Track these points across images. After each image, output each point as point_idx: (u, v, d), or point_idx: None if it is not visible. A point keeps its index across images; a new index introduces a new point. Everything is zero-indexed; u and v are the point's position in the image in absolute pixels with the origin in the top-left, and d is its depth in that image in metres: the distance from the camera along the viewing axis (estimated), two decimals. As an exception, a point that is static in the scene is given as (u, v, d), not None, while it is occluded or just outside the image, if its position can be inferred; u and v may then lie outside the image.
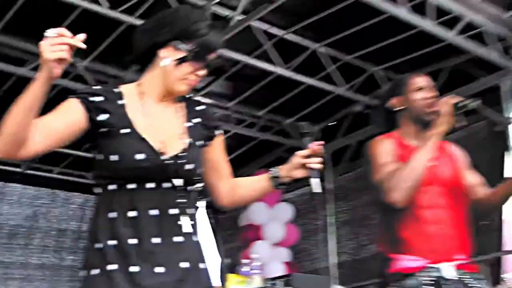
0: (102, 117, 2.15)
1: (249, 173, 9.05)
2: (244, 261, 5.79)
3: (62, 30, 1.88)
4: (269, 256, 8.25)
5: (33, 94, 1.92)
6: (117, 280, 2.04)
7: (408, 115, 3.22)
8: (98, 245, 2.10)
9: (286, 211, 8.62)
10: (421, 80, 3.26)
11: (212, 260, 9.66)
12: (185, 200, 2.19)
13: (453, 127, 3.03)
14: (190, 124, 2.32)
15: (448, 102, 3.00)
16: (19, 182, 8.47)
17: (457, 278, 2.96)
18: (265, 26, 6.52)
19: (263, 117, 8.20)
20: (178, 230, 2.16)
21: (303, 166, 2.28)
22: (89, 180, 8.92)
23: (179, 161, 2.19)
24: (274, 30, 6.59)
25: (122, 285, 2.03)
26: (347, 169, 8.41)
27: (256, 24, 6.39)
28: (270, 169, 2.38)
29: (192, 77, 2.26)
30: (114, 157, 2.12)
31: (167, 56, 2.23)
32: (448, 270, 2.95)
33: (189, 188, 2.23)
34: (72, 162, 8.58)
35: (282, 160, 7.44)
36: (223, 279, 9.14)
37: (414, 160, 2.97)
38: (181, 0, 5.97)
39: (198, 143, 2.31)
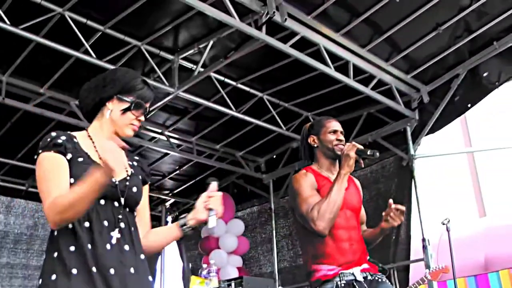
0: (68, 156, 2.12)
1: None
2: (204, 265, 5.70)
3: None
4: (225, 262, 8.16)
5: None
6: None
7: (322, 152, 3.24)
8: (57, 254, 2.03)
9: (238, 225, 8.52)
10: (334, 125, 3.29)
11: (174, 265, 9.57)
12: (121, 217, 2.14)
13: (360, 166, 3.11)
14: (130, 163, 2.32)
15: (352, 148, 3.05)
16: (23, 198, 8.29)
17: (365, 278, 3.01)
18: (221, 77, 6.50)
19: (219, 150, 8.14)
20: (129, 240, 2.12)
21: (205, 208, 2.27)
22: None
23: (126, 184, 2.18)
24: (228, 81, 6.57)
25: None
26: (286, 193, 8.32)
27: (215, 75, 6.38)
28: (179, 218, 2.39)
29: (135, 122, 2.28)
30: (71, 180, 2.08)
31: (113, 108, 2.25)
32: (358, 273, 3.01)
33: (128, 208, 2.20)
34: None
35: (234, 185, 7.46)
36: (186, 281, 9.02)
37: (333, 195, 2.98)
38: (148, 53, 5.95)
39: (139, 176, 2.30)
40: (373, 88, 6.30)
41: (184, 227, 2.29)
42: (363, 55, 6.00)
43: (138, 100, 2.27)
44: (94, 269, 2.00)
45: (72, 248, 2.01)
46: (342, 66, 5.98)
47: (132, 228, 2.17)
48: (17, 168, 7.80)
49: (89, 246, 2.02)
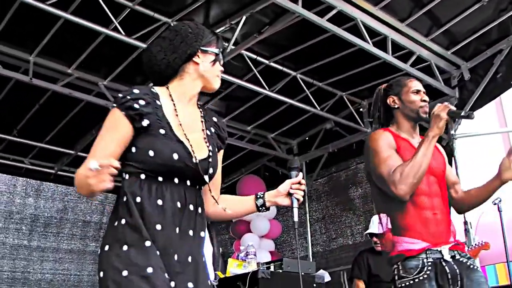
0: (144, 122, 1.98)
1: (239, 177, 8.87)
2: (241, 248, 5.58)
3: (104, 163, 1.73)
4: (257, 246, 8.02)
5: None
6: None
7: (403, 113, 2.97)
8: (122, 222, 1.92)
9: (270, 209, 8.36)
10: (417, 84, 3.02)
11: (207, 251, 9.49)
12: (193, 198, 2.03)
13: (451, 127, 2.87)
14: (208, 132, 2.17)
15: (444, 108, 2.74)
16: (53, 181, 8.25)
17: (454, 259, 2.74)
18: (253, 56, 6.31)
19: (251, 131, 7.97)
20: (193, 225, 2.01)
21: (288, 194, 2.19)
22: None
23: (206, 165, 2.05)
24: (261, 59, 6.37)
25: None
26: (319, 175, 8.19)
27: (247, 53, 6.20)
28: (258, 193, 2.24)
29: (220, 74, 2.20)
30: (151, 152, 1.95)
31: (201, 61, 2.13)
32: (447, 252, 2.73)
33: (198, 186, 2.09)
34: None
35: (266, 167, 7.31)
36: (216, 265, 8.91)
37: (418, 157, 2.69)
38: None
39: (215, 149, 2.17)
40: (412, 65, 6.05)
41: (262, 207, 2.23)
42: (402, 30, 5.77)
43: (221, 49, 2.20)
44: (157, 252, 1.90)
45: (123, 221, 1.92)
46: (380, 42, 5.74)
47: (199, 210, 2.06)
48: (45, 151, 7.74)
49: (158, 226, 1.92)
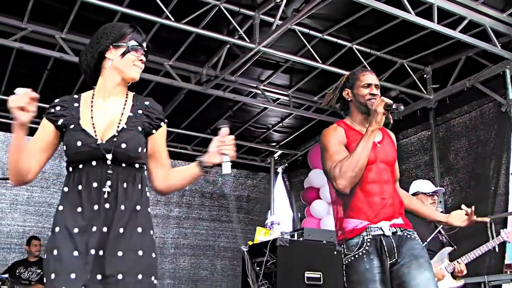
0: (60, 122, 2.34)
1: (312, 146, 9.17)
2: (270, 217, 5.94)
3: (27, 91, 2.09)
4: (325, 213, 8.34)
5: (15, 138, 2.19)
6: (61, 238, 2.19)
7: (355, 105, 3.16)
8: (59, 208, 2.28)
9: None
10: (368, 78, 3.16)
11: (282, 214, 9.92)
12: (111, 172, 2.25)
13: (389, 121, 2.94)
14: (131, 114, 2.39)
15: (380, 103, 2.91)
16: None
17: (394, 233, 2.92)
18: (306, 30, 6.53)
19: (317, 102, 8.20)
20: (113, 199, 2.23)
21: (219, 152, 2.37)
22: (189, 151, 9.41)
23: (113, 141, 2.28)
24: (314, 33, 6.58)
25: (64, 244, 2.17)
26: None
27: (299, 28, 6.43)
28: (198, 157, 2.45)
29: (137, 63, 2.41)
30: (65, 147, 2.31)
31: (113, 57, 2.40)
32: (387, 227, 2.92)
33: (125, 164, 2.29)
34: (176, 137, 8.98)
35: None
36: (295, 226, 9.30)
37: (357, 152, 2.90)
38: (228, 12, 6.14)
39: (137, 128, 2.36)
40: (464, 31, 5.96)
41: (203, 168, 2.42)
42: (450, -4, 5.70)
43: (132, 40, 2.41)
44: (76, 229, 2.18)
45: (60, 208, 2.26)
46: (427, 10, 5.72)
47: (126, 185, 2.27)
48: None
49: (79, 209, 2.21)
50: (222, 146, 2.37)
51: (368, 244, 2.90)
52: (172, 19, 5.82)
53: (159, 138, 2.45)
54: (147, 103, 2.46)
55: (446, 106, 7.23)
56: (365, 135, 2.94)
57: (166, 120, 2.49)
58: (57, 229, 2.21)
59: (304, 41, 6.58)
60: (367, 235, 2.91)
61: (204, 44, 6.77)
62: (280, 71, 7.43)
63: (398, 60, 7.15)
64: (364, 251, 2.90)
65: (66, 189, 2.29)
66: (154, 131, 2.42)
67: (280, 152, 9.95)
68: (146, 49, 2.47)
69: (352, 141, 3.04)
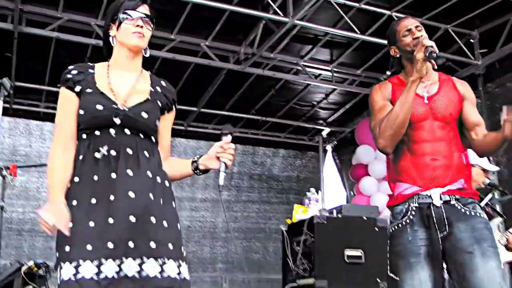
0: (77, 88, 2.28)
1: (359, 122, 8.95)
2: (309, 194, 5.79)
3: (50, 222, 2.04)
4: (375, 190, 8.15)
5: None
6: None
7: (405, 59, 2.83)
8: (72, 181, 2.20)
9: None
10: (406, 23, 2.84)
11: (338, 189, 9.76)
12: (130, 140, 2.21)
13: (433, 67, 2.67)
14: (152, 89, 2.38)
15: (420, 48, 2.58)
16: (184, 137, 9.06)
17: (446, 202, 2.60)
18: (342, 1, 6.34)
19: (361, 75, 7.98)
20: (133, 165, 2.18)
21: (217, 158, 2.27)
22: (235, 133, 9.34)
23: (135, 110, 2.25)
24: (350, 3, 6.38)
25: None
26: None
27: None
28: (194, 157, 2.36)
29: (135, 29, 2.34)
30: (81, 111, 2.24)
31: (114, 33, 2.39)
32: (437, 196, 2.62)
33: (142, 134, 2.25)
34: (221, 119, 9.00)
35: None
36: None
37: (395, 109, 2.62)
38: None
39: (157, 103, 2.34)
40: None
41: (196, 170, 2.34)
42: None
43: (122, 11, 2.37)
44: (93, 200, 2.11)
45: (76, 179, 2.17)
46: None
47: (143, 153, 2.23)
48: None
49: (95, 177, 2.14)
50: (222, 154, 2.26)
51: (413, 213, 2.63)
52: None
53: (168, 121, 2.43)
54: (163, 83, 2.46)
55: (496, 71, 6.87)
56: (405, 88, 2.62)
57: (174, 108, 2.46)
58: (74, 202, 2.14)
59: (341, 12, 6.39)
60: (413, 203, 2.64)
61: (239, 22, 6.67)
62: (319, 45, 7.26)
63: (442, 25, 6.83)
64: (408, 221, 2.64)
65: (81, 157, 2.21)
66: (166, 112, 2.40)
67: (328, 129, 9.77)
68: (144, 14, 2.38)
69: (397, 96, 2.71)
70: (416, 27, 2.84)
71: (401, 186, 2.70)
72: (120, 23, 2.37)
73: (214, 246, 9.00)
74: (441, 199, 2.62)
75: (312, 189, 5.89)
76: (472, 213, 2.62)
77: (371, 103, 2.84)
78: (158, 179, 2.24)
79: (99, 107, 2.22)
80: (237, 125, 9.32)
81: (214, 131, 9.12)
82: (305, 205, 5.71)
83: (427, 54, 2.58)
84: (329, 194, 9.64)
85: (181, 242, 2.25)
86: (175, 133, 8.61)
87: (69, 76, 2.30)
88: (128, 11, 2.37)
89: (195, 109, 8.50)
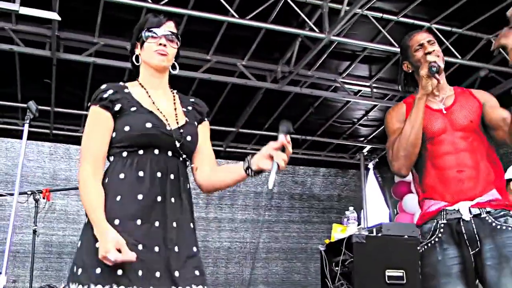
0: (117, 107, 2.20)
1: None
2: (347, 213, 5.64)
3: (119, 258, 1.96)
4: (417, 208, 7.91)
5: None
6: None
7: (418, 75, 2.69)
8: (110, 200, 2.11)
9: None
10: (419, 38, 2.78)
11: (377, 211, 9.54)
12: (173, 167, 2.18)
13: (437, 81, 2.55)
14: (185, 109, 2.35)
15: (424, 64, 2.56)
16: (222, 158, 8.95)
17: (476, 216, 2.46)
18: (379, 14, 6.23)
19: (400, 90, 7.77)
20: (176, 192, 2.16)
21: (271, 157, 2.10)
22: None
23: (180, 132, 2.22)
24: (388, 16, 6.27)
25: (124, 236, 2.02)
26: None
27: (371, 13, 6.16)
28: (247, 157, 2.23)
29: (158, 47, 2.29)
30: (126, 128, 2.16)
31: (139, 52, 2.36)
32: (466, 209, 2.48)
33: (182, 158, 2.22)
34: (260, 139, 8.93)
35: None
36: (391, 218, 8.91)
37: (405, 129, 2.56)
38: (295, 3, 5.96)
39: (194, 124, 2.33)
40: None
41: (248, 170, 2.19)
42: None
43: (145, 29, 2.32)
44: (138, 221, 2.06)
45: (118, 198, 2.09)
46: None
47: (182, 179, 2.19)
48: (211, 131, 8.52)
49: (140, 196, 2.08)
50: (276, 153, 2.08)
51: (442, 230, 2.51)
52: (236, 16, 5.74)
53: (205, 131, 2.39)
54: (192, 100, 2.44)
55: (543, 82, 6.63)
56: (413, 107, 2.58)
57: (208, 119, 2.44)
58: (116, 221, 2.05)
59: (378, 26, 6.28)
60: (441, 219, 2.52)
61: (275, 40, 6.63)
62: (357, 61, 7.14)
63: (483, 35, 6.61)
64: (436, 239, 2.54)
65: (122, 175, 2.12)
66: (199, 125, 2.37)
67: (369, 147, 9.59)
68: (169, 32, 2.33)
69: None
70: (429, 41, 2.77)
71: (428, 203, 2.60)
72: (143, 41, 2.33)
73: (255, 267, 8.89)
74: (470, 213, 2.49)
75: (351, 208, 5.73)
76: (503, 227, 2.47)
77: (386, 126, 2.79)
78: (189, 206, 2.23)
79: (149, 125, 2.17)
80: (276, 145, 9.21)
81: (253, 151, 9.02)
82: (343, 224, 5.57)
83: (429, 70, 2.53)
84: (372, 213, 9.43)
85: (202, 265, 2.20)
86: (215, 155, 8.77)
87: (105, 95, 2.22)
88: (153, 29, 2.32)
89: (233, 129, 8.46)
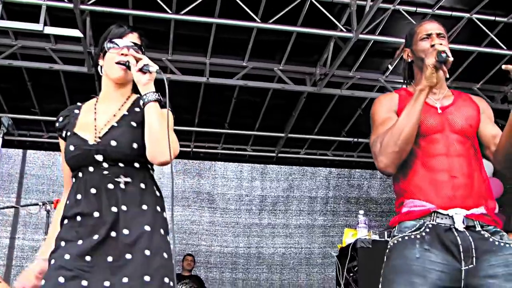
0: (64, 133, 2.26)
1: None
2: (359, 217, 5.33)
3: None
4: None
5: None
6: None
7: (417, 65, 2.48)
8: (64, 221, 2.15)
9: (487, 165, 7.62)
10: (428, 27, 2.47)
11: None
12: (107, 173, 2.10)
13: (444, 75, 2.23)
14: (126, 113, 2.24)
15: (432, 53, 2.24)
16: (275, 163, 8.92)
17: (470, 228, 2.17)
18: (412, 8, 5.95)
19: (450, 86, 7.35)
20: (115, 202, 2.09)
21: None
22: (329, 157, 9.06)
23: (104, 141, 2.13)
24: (421, 9, 5.98)
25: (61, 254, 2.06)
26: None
27: (402, 7, 5.89)
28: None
29: (118, 58, 2.22)
30: (64, 155, 2.21)
31: (102, 63, 2.30)
32: (460, 218, 2.18)
33: (121, 163, 2.13)
34: (311, 143, 8.76)
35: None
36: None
37: (400, 121, 2.24)
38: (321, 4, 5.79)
39: (130, 124, 2.19)
40: None
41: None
42: None
43: (107, 40, 2.26)
44: (80, 241, 2.04)
45: (66, 221, 2.12)
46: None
47: (124, 186, 2.11)
48: (260, 138, 8.52)
49: (79, 217, 2.08)
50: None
51: (427, 230, 2.18)
52: (258, 20, 5.67)
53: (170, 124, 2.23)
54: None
55: None
56: (412, 98, 2.27)
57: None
58: (62, 243, 2.07)
59: (412, 21, 5.95)
60: (430, 221, 2.20)
61: (309, 43, 6.48)
62: (399, 58, 6.82)
63: (532, 23, 6.14)
64: (418, 236, 2.20)
65: (68, 201, 2.16)
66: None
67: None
68: (131, 43, 2.26)
69: (404, 107, 2.33)
70: (438, 34, 2.45)
71: (412, 203, 2.27)
72: (104, 53, 2.27)
73: (310, 272, 8.69)
74: (463, 222, 2.18)
75: (361, 211, 5.43)
76: (502, 243, 2.18)
77: (372, 115, 2.46)
78: (144, 207, 2.12)
79: (71, 148, 2.15)
80: (330, 149, 8.99)
81: (306, 156, 8.91)
82: (355, 228, 5.31)
83: (437, 60, 2.20)
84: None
85: (165, 271, 2.06)
86: (267, 161, 8.69)
87: (57, 124, 2.30)
88: (115, 40, 2.26)
89: (282, 134, 8.34)
